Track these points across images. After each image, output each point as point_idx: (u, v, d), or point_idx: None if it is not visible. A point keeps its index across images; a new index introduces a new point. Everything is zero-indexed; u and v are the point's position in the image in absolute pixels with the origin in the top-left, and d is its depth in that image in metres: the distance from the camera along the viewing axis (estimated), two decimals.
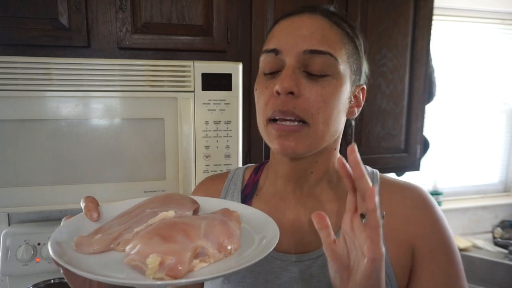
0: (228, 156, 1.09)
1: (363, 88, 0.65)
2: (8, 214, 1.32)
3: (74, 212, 1.54)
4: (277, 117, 0.57)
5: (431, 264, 0.59)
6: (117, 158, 1.02)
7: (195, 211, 0.55)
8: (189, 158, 1.05)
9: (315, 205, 0.64)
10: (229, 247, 0.45)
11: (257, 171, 0.74)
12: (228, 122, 1.08)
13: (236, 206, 0.56)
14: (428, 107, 1.40)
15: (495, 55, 2.16)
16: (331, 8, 0.63)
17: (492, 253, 2.00)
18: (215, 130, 1.07)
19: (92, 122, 1.00)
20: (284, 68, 0.57)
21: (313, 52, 0.56)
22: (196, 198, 0.58)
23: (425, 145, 1.44)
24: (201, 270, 0.42)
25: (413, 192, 0.64)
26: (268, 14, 1.15)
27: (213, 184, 0.75)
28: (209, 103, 1.06)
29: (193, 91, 1.04)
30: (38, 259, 1.22)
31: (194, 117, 1.05)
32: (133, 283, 0.40)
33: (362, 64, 0.64)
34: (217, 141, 1.08)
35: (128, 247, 0.43)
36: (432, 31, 1.33)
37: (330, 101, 0.57)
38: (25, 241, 1.22)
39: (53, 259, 0.42)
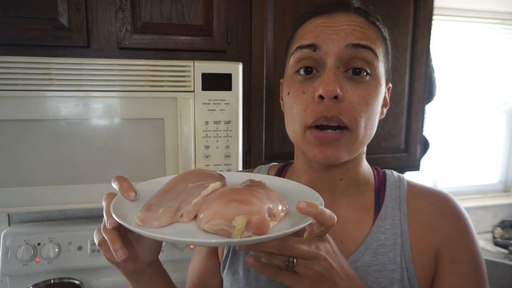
0: (228, 156, 1.09)
1: (390, 87, 0.63)
2: (8, 214, 1.32)
3: (74, 212, 1.55)
4: (319, 124, 0.53)
5: (452, 274, 0.57)
6: (117, 158, 1.02)
7: (224, 184, 0.57)
8: (189, 158, 1.05)
9: (342, 214, 0.62)
10: (284, 208, 0.49)
11: (281, 172, 0.71)
12: (228, 122, 1.08)
13: (260, 177, 0.58)
14: (428, 107, 1.40)
15: (495, 55, 2.16)
16: (360, 5, 0.60)
17: (492, 253, 2.00)
18: (215, 130, 1.07)
19: (92, 122, 1.00)
20: (324, 69, 0.54)
21: (356, 46, 0.53)
22: (219, 172, 0.59)
23: (425, 145, 1.44)
24: (274, 228, 0.45)
25: (439, 198, 0.62)
26: (268, 14, 1.15)
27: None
28: (209, 103, 1.06)
29: (193, 91, 1.04)
30: (38, 259, 1.22)
31: (194, 117, 1.05)
32: (226, 242, 0.44)
33: (390, 63, 0.62)
34: (217, 141, 1.08)
35: (202, 215, 0.45)
36: (432, 31, 1.32)
37: (371, 103, 0.55)
38: (25, 241, 1.22)
39: (129, 229, 0.42)
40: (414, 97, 1.34)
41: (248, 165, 1.20)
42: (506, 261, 1.86)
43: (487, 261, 1.85)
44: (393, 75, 1.30)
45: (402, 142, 1.36)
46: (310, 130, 0.54)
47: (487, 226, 2.21)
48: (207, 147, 1.07)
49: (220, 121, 1.07)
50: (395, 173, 0.67)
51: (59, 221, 1.37)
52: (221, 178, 0.56)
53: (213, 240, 0.43)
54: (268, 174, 0.72)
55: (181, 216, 0.47)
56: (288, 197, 0.51)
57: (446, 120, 2.15)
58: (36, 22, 0.97)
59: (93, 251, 1.26)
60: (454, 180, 2.21)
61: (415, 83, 1.33)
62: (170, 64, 1.02)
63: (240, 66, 1.07)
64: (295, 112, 0.56)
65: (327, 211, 0.44)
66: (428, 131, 1.48)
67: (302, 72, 0.56)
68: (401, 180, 0.65)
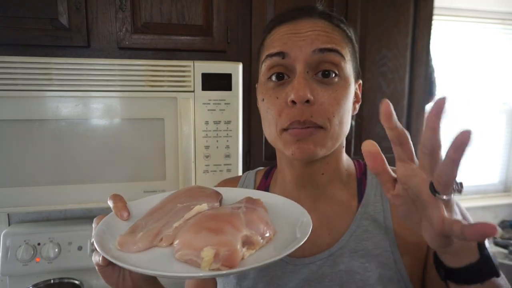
0: (228, 156, 1.09)
1: (360, 83, 0.66)
2: (8, 214, 1.32)
3: (74, 212, 1.55)
4: (293, 127, 0.56)
5: None
6: (117, 158, 1.02)
7: (220, 202, 0.56)
8: (189, 158, 1.05)
9: (326, 207, 0.64)
10: (268, 234, 0.47)
11: (267, 176, 0.73)
12: (228, 122, 1.08)
13: (257, 194, 0.57)
14: (428, 107, 1.40)
15: (495, 55, 2.16)
16: (324, 9, 0.62)
17: (492, 253, 2.00)
18: (215, 130, 1.07)
19: (92, 122, 1.00)
20: (294, 74, 0.56)
21: (323, 50, 0.55)
22: (217, 189, 0.58)
23: None
24: (251, 258, 0.43)
25: None
26: (268, 14, 1.15)
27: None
28: (209, 103, 1.06)
29: (193, 91, 1.04)
30: (38, 259, 1.22)
31: (194, 117, 1.05)
32: (193, 276, 0.42)
33: (357, 60, 0.64)
34: (217, 141, 1.08)
35: (176, 243, 0.44)
36: (432, 31, 1.33)
37: (342, 103, 0.57)
38: (25, 241, 1.22)
39: (102, 257, 0.45)
40: (414, 97, 1.34)
41: (248, 165, 1.20)
42: (506, 261, 1.86)
43: None
44: (393, 75, 1.31)
45: None
46: (287, 131, 0.57)
47: None
48: (207, 147, 1.07)
49: (220, 121, 1.07)
50: None
51: (59, 221, 1.37)
52: (215, 197, 0.54)
53: (180, 274, 0.42)
54: (255, 179, 0.74)
55: (160, 240, 0.46)
56: (278, 214, 0.51)
57: (446, 120, 2.14)
58: (36, 22, 0.97)
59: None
60: None
61: (415, 83, 1.33)
62: (170, 64, 1.02)
63: (240, 66, 1.07)
64: (270, 116, 0.59)
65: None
66: None
67: (274, 78, 0.58)
68: None
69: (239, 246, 0.42)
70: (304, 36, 0.56)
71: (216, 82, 1.05)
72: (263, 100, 0.60)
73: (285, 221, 0.50)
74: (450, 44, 2.05)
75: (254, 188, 0.72)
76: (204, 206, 0.50)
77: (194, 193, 0.55)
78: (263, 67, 0.60)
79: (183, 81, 1.03)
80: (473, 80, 2.15)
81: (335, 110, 0.56)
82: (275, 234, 0.48)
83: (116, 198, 0.54)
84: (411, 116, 1.34)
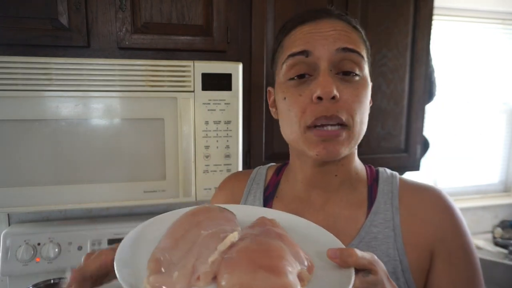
0: (228, 156, 1.09)
1: (371, 85, 0.66)
2: (8, 214, 1.32)
3: (74, 212, 1.54)
4: (319, 124, 0.56)
5: (450, 268, 0.59)
6: (117, 158, 1.02)
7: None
8: (189, 158, 1.05)
9: (335, 209, 0.64)
10: (310, 263, 0.42)
11: (278, 172, 0.74)
12: (228, 122, 1.08)
13: (273, 213, 0.54)
14: (428, 107, 1.40)
15: (495, 55, 2.16)
16: (340, 11, 0.63)
17: (492, 253, 2.00)
18: (215, 130, 1.07)
19: (92, 122, 1.00)
20: (318, 72, 0.57)
21: (346, 50, 0.56)
22: (226, 206, 0.54)
23: (425, 145, 1.44)
24: None
25: (432, 194, 0.63)
26: (268, 14, 1.15)
27: (238, 181, 0.76)
28: (209, 103, 1.05)
29: (193, 91, 1.04)
30: (38, 259, 1.22)
31: (194, 117, 1.05)
32: None
33: (370, 64, 0.66)
34: (217, 141, 1.08)
35: (225, 283, 0.38)
36: (432, 31, 1.33)
37: (363, 101, 0.58)
38: (25, 241, 1.22)
39: None
40: (414, 97, 1.34)
41: (248, 165, 1.20)
42: (506, 261, 1.86)
43: (487, 261, 1.85)
44: (393, 75, 1.31)
45: (402, 142, 1.36)
46: (311, 129, 0.56)
47: (487, 226, 2.21)
48: (207, 147, 1.07)
49: (220, 121, 1.07)
50: (388, 170, 0.69)
51: (59, 221, 1.37)
52: (234, 219, 0.50)
53: None
54: (266, 174, 0.74)
55: (198, 278, 0.40)
56: (297, 235, 0.47)
57: (446, 120, 2.15)
58: (36, 22, 0.97)
59: (93, 251, 1.26)
60: (454, 180, 2.21)
61: (415, 83, 1.33)
62: (170, 64, 1.02)
63: (240, 66, 1.07)
64: (293, 114, 0.58)
65: (366, 253, 0.41)
66: (428, 131, 1.48)
67: (295, 78, 0.58)
68: (393, 176, 0.67)
69: (299, 287, 0.38)
70: (326, 35, 0.57)
71: (216, 82, 1.05)
72: (284, 99, 0.60)
73: (305, 242, 0.46)
74: (450, 44, 2.05)
75: (265, 184, 0.72)
76: (235, 236, 0.44)
77: (213, 215, 0.50)
78: (284, 67, 0.60)
79: (183, 81, 1.03)
80: (473, 80, 2.15)
81: (357, 108, 0.57)
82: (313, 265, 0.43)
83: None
84: (411, 116, 1.34)
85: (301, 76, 0.58)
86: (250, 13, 1.14)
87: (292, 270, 0.39)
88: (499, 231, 2.14)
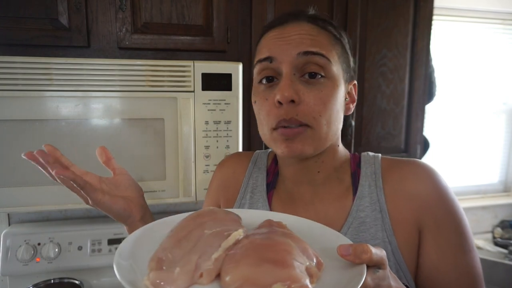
0: None
1: (355, 84, 0.67)
2: (8, 214, 1.32)
3: (74, 212, 1.54)
4: (282, 126, 0.58)
5: (438, 237, 0.59)
6: (117, 158, 1.01)
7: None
8: (189, 158, 1.05)
9: (324, 202, 0.65)
10: (319, 261, 0.41)
11: (277, 162, 0.75)
12: (228, 122, 1.08)
13: (279, 217, 0.53)
14: (428, 107, 1.40)
15: (495, 55, 2.16)
16: (314, 12, 0.65)
17: (492, 253, 2.00)
18: (215, 130, 1.07)
19: (92, 122, 1.00)
20: (281, 77, 0.59)
21: (307, 53, 0.58)
22: (232, 210, 0.54)
23: (425, 145, 1.44)
24: None
25: (413, 166, 0.63)
26: (268, 14, 1.15)
27: (240, 161, 0.78)
28: (209, 103, 1.06)
29: (193, 91, 1.04)
30: (38, 259, 1.22)
31: (194, 117, 1.05)
32: None
33: (350, 61, 0.66)
34: (217, 141, 1.08)
35: (230, 277, 0.37)
36: (432, 31, 1.33)
37: (329, 103, 0.59)
38: (25, 241, 1.22)
39: None
40: (414, 97, 1.34)
41: None
42: (506, 261, 1.86)
43: (487, 261, 1.85)
44: (393, 75, 1.31)
45: (402, 142, 1.36)
46: (276, 130, 0.60)
47: (487, 226, 2.21)
48: (207, 147, 1.07)
49: (220, 121, 1.07)
50: (371, 153, 0.70)
51: (59, 221, 1.37)
52: (239, 221, 0.49)
53: None
54: (267, 160, 0.77)
55: (200, 275, 0.39)
56: (305, 237, 0.46)
57: (446, 120, 2.15)
58: (36, 22, 0.97)
59: (93, 251, 1.26)
60: (454, 180, 2.21)
61: (415, 83, 1.33)
62: (170, 64, 1.02)
63: (240, 66, 1.07)
64: (262, 117, 0.62)
65: (378, 249, 0.41)
66: (428, 131, 1.48)
67: (264, 81, 0.62)
68: (375, 157, 0.68)
69: (308, 281, 0.36)
70: (289, 40, 0.59)
71: (216, 82, 1.05)
72: (255, 102, 0.64)
73: (315, 243, 0.45)
74: (450, 44, 2.05)
75: (266, 170, 0.74)
76: (240, 233, 0.44)
77: (216, 216, 0.49)
78: (255, 72, 0.64)
79: (183, 81, 1.03)
80: (473, 80, 2.15)
81: (321, 110, 0.58)
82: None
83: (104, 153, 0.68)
84: (411, 116, 1.34)
85: (269, 80, 0.61)
86: (250, 13, 1.14)
87: (300, 264, 0.38)
88: (499, 231, 2.14)
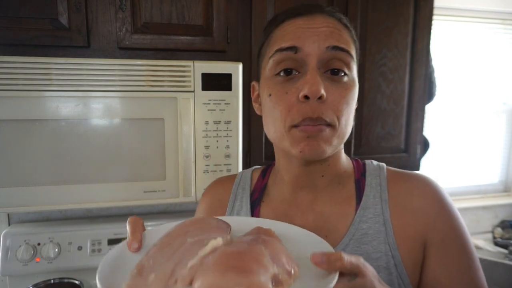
0: (228, 156, 1.09)
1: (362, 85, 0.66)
2: (8, 214, 1.32)
3: (74, 212, 1.54)
4: (305, 124, 0.54)
5: (444, 256, 0.58)
6: (117, 158, 1.02)
7: (229, 233, 0.51)
8: (189, 158, 1.05)
9: (324, 209, 0.63)
10: (293, 271, 0.41)
11: (264, 175, 0.72)
12: (228, 122, 1.08)
13: (265, 223, 0.53)
14: (428, 107, 1.40)
15: (495, 55, 2.16)
16: (331, 8, 0.61)
17: (492, 253, 2.00)
18: (215, 130, 1.07)
19: (92, 122, 1.00)
20: (305, 70, 0.55)
21: (335, 48, 0.54)
22: (223, 218, 0.54)
23: (425, 145, 1.44)
24: None
25: (419, 181, 0.62)
26: (268, 14, 1.15)
27: (222, 187, 0.73)
28: (209, 103, 1.06)
29: (193, 91, 1.04)
30: (38, 259, 1.22)
31: (194, 117, 1.05)
32: None
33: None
34: (217, 141, 1.08)
35: (197, 285, 0.38)
36: (432, 31, 1.33)
37: (350, 102, 0.57)
38: (25, 241, 1.22)
39: None
40: (414, 97, 1.34)
41: (248, 165, 1.20)
42: (506, 261, 1.86)
43: (487, 261, 1.85)
44: (393, 75, 1.31)
45: (402, 142, 1.36)
46: (297, 127, 0.55)
47: (487, 226, 2.21)
48: (207, 147, 1.07)
49: (220, 121, 1.07)
50: (375, 162, 0.68)
51: (59, 221, 1.37)
52: (225, 229, 0.50)
53: None
54: (251, 177, 0.72)
55: (175, 282, 0.40)
56: (293, 245, 0.46)
57: (446, 120, 2.15)
58: (36, 22, 0.97)
59: (93, 251, 1.26)
60: (454, 180, 2.21)
61: (415, 83, 1.33)
62: (170, 64, 1.02)
63: (240, 66, 1.07)
64: (278, 113, 0.56)
65: (353, 257, 0.41)
66: (428, 131, 1.48)
67: (282, 73, 0.56)
68: (380, 168, 0.66)
69: (270, 286, 0.38)
70: (318, 31, 0.55)
71: (216, 82, 1.05)
72: (269, 95, 0.58)
73: (300, 251, 0.46)
74: (450, 44, 2.05)
75: (251, 188, 0.70)
76: (219, 241, 0.44)
77: (203, 225, 0.49)
78: (271, 62, 0.58)
79: (183, 81, 1.03)
80: (473, 80, 2.15)
81: (344, 109, 0.55)
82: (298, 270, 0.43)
83: (135, 224, 0.49)
84: (411, 116, 1.34)
85: (288, 72, 0.56)
86: (250, 13, 1.14)
87: (266, 272, 0.39)
88: (499, 231, 2.14)
